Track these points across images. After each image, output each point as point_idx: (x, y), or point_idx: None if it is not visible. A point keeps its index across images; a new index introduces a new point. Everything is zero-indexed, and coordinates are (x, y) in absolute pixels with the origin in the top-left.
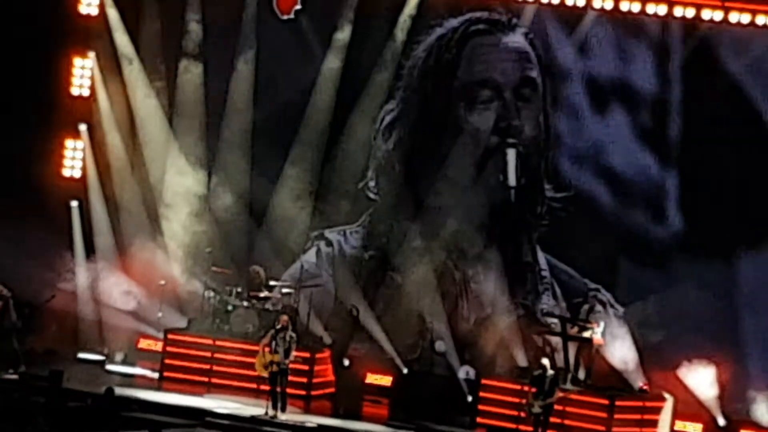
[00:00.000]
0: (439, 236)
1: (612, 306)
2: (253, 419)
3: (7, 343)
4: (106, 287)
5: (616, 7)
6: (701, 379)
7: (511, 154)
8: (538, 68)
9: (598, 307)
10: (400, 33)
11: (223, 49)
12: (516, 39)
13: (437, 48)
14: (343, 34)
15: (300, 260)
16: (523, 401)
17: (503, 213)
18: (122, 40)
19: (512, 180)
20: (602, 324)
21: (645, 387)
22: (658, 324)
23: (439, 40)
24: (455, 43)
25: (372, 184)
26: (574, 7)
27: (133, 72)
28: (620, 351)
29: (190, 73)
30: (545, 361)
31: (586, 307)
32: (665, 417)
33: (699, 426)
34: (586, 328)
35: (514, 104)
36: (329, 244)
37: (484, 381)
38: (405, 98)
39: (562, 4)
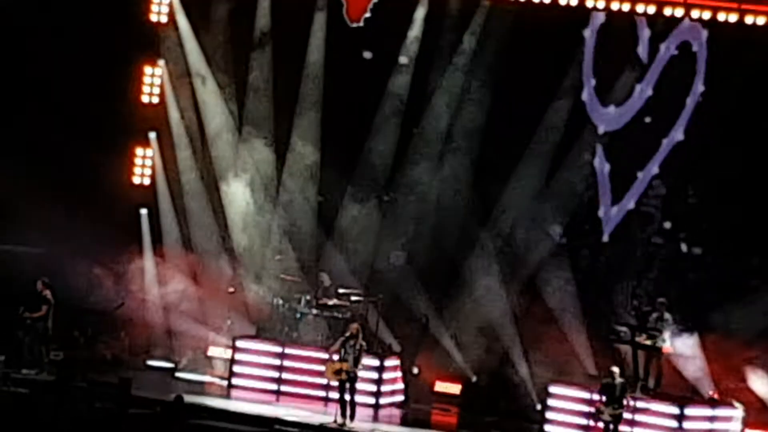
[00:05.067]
0: (508, 242)
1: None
2: (321, 427)
3: (37, 347)
4: (175, 295)
5: None
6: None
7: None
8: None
9: (667, 315)
10: (468, 40)
11: (293, 50)
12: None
13: None
14: (413, 42)
15: None
16: (592, 409)
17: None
18: (191, 46)
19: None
20: (669, 332)
21: (715, 395)
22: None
23: None
24: None
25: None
26: None
27: (202, 78)
28: (689, 359)
29: (260, 71)
30: (615, 369)
31: (655, 315)
32: (735, 426)
33: None
34: (654, 337)
35: None
36: None
37: (552, 389)
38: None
39: None
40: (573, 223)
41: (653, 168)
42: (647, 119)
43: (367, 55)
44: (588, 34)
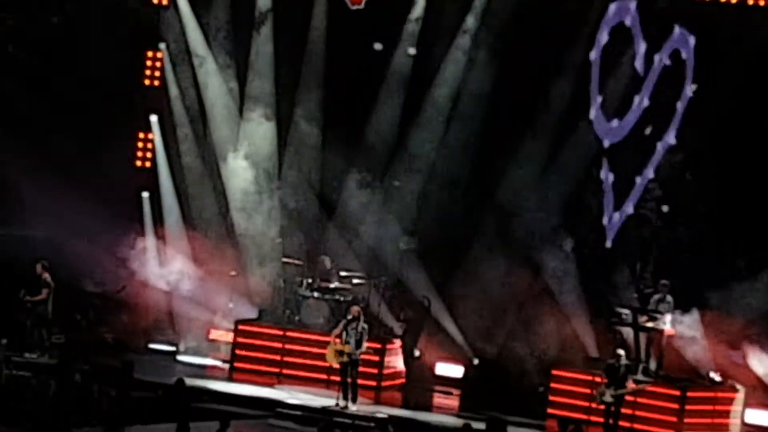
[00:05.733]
0: (510, 224)
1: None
2: (323, 410)
3: (38, 330)
4: (178, 278)
5: None
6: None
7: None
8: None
9: (669, 298)
10: (471, 21)
11: (294, 30)
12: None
13: None
14: (415, 22)
15: None
16: (593, 392)
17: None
18: (192, 27)
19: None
20: (670, 314)
21: (716, 377)
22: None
23: None
24: None
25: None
26: None
27: (203, 59)
28: (691, 341)
29: (261, 51)
30: (621, 352)
31: (656, 297)
32: (737, 408)
33: None
34: (655, 319)
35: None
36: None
37: (554, 371)
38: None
39: None
40: (579, 233)
41: (649, 172)
42: (647, 130)
43: (378, 46)
44: (593, 56)
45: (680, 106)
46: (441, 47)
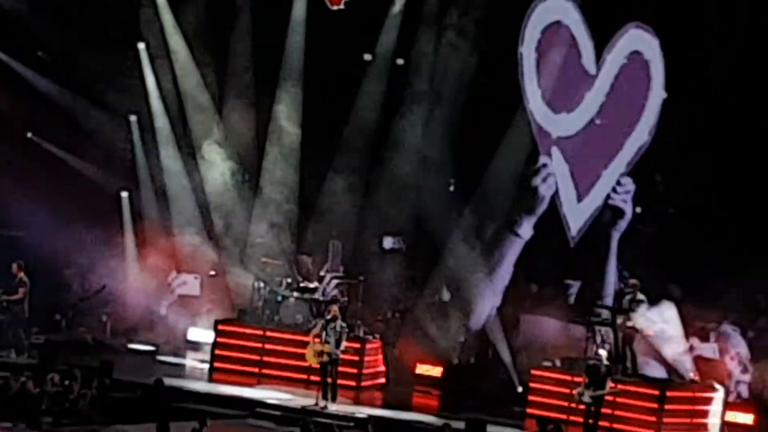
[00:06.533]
0: (487, 222)
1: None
2: (303, 410)
3: (14, 329)
4: (157, 278)
5: None
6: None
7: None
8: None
9: (641, 296)
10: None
11: (273, 26)
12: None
13: None
14: (394, 18)
15: None
16: (574, 391)
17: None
18: (170, 23)
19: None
20: (644, 313)
21: (696, 377)
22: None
23: None
24: None
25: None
26: None
27: (182, 57)
28: (667, 340)
29: (240, 47)
30: (602, 352)
31: (628, 296)
32: (716, 406)
33: (750, 416)
34: (630, 318)
35: None
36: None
37: (533, 371)
38: None
39: None
40: (540, 220)
41: (619, 167)
42: (598, 121)
43: (367, 57)
44: (526, 52)
45: (648, 105)
46: (422, 40)
